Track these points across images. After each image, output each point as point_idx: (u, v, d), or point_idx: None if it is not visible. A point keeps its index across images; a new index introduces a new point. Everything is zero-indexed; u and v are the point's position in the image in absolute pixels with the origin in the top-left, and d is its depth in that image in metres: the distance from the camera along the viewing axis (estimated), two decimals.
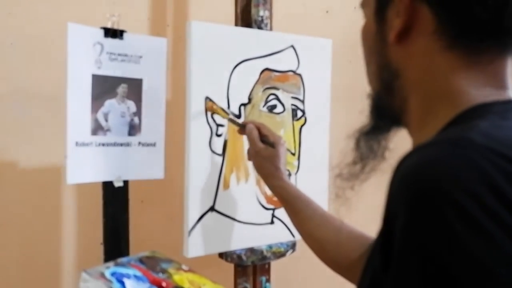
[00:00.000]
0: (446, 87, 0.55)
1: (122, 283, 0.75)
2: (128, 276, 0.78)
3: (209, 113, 1.22)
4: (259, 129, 1.13)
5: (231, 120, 1.22)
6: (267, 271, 1.41)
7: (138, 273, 0.80)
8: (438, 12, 0.54)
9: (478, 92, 0.54)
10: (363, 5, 0.66)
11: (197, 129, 1.20)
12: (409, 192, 0.45)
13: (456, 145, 0.45)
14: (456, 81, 0.55)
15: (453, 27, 0.54)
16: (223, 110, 1.24)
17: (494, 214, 0.41)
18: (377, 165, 0.66)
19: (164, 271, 0.84)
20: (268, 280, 1.41)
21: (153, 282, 0.79)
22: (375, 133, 0.65)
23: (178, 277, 0.83)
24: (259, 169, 1.10)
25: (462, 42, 0.54)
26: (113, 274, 0.77)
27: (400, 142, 0.66)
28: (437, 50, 0.55)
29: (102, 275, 0.77)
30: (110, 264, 0.82)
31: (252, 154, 1.11)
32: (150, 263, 0.86)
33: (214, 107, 1.21)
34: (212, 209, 1.24)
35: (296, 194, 1.02)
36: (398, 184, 0.47)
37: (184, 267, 0.89)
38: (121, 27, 1.20)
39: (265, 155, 1.08)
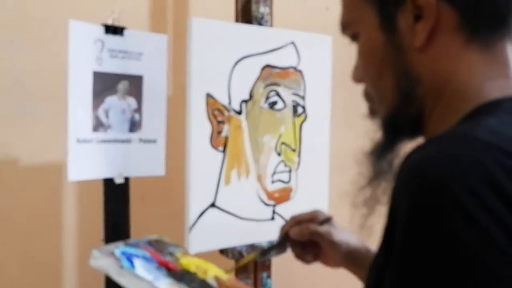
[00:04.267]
0: (466, 83, 0.54)
1: (131, 262, 0.76)
2: (137, 256, 0.78)
3: (209, 109, 1.22)
4: (299, 222, 0.93)
5: (263, 253, 1.01)
6: (268, 268, 1.41)
7: (147, 254, 0.81)
8: (460, 6, 0.54)
9: (492, 84, 0.54)
10: (348, 25, 0.63)
11: (198, 126, 1.20)
12: (411, 187, 0.45)
13: (461, 142, 0.46)
14: (475, 75, 0.54)
15: (475, 19, 0.53)
16: (224, 107, 1.24)
17: (493, 213, 0.41)
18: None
19: (171, 254, 0.85)
20: (269, 277, 1.41)
21: (161, 263, 0.79)
22: (391, 150, 0.62)
23: (184, 261, 0.84)
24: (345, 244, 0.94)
25: (480, 33, 0.54)
26: (123, 253, 0.78)
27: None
28: (460, 46, 0.55)
29: (112, 254, 0.77)
30: (120, 244, 0.82)
31: (330, 245, 0.91)
32: (158, 245, 0.87)
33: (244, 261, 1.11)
34: (213, 205, 1.24)
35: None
36: (402, 179, 0.47)
37: (190, 252, 0.90)
38: (121, 24, 1.20)
39: (336, 228, 0.90)
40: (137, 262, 0.77)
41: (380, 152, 0.62)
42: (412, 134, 0.61)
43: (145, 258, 0.80)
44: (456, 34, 0.54)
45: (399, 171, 0.49)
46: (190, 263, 0.84)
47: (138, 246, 0.83)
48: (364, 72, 0.63)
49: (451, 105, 0.55)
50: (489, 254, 0.41)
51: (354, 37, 0.64)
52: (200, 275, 0.81)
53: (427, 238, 0.43)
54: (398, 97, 0.59)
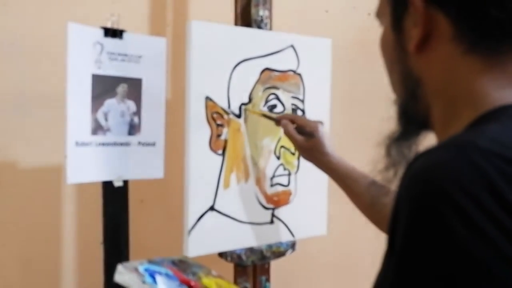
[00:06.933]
0: (468, 91, 0.55)
1: (154, 278, 0.78)
2: (160, 273, 0.80)
3: (209, 112, 1.22)
4: (294, 121, 1.17)
5: (265, 116, 1.26)
6: (267, 271, 1.41)
7: (170, 272, 0.83)
8: (454, 19, 0.54)
9: (499, 94, 0.53)
10: (379, 15, 0.66)
11: (197, 129, 1.20)
12: (412, 192, 0.46)
13: (461, 149, 0.46)
14: (478, 84, 0.54)
15: (471, 31, 0.54)
16: (223, 110, 1.24)
17: (493, 216, 0.42)
18: None
19: (194, 273, 0.86)
20: (268, 280, 1.41)
21: (183, 281, 0.81)
22: (405, 138, 0.65)
23: (206, 280, 0.85)
24: (308, 159, 1.16)
25: (481, 45, 0.54)
26: (146, 269, 0.80)
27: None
28: (457, 55, 0.55)
29: (136, 270, 0.79)
30: (144, 261, 0.84)
31: (297, 149, 1.17)
32: (181, 265, 0.88)
33: (252, 110, 1.25)
34: (212, 208, 1.24)
35: (346, 174, 1.09)
36: (405, 185, 0.48)
37: (213, 272, 0.91)
38: (120, 27, 1.20)
39: (308, 147, 1.13)
40: (160, 279, 0.79)
41: (395, 138, 0.65)
42: (422, 128, 0.64)
43: (167, 276, 0.82)
44: (454, 44, 0.55)
45: (403, 176, 0.49)
46: (211, 282, 0.85)
47: (162, 265, 0.85)
48: (383, 61, 0.67)
49: (454, 110, 0.56)
50: (489, 256, 0.41)
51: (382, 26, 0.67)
52: None
53: (427, 241, 0.43)
54: (406, 93, 0.63)
